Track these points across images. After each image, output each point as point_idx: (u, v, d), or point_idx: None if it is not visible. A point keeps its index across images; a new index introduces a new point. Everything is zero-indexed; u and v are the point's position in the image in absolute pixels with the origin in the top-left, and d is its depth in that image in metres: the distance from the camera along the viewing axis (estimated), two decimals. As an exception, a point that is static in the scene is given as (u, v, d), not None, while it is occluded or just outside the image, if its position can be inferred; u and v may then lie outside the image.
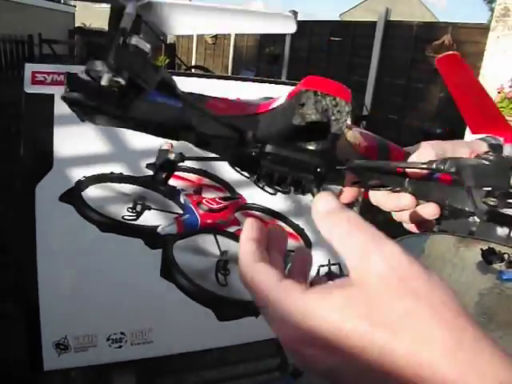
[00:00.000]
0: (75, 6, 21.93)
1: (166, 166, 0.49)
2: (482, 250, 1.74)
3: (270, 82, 1.57)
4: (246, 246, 0.37)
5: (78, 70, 1.26)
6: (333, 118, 0.39)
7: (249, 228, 0.38)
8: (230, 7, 0.48)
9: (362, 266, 0.31)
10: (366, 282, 0.30)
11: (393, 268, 0.30)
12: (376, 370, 0.28)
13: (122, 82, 0.36)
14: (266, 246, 0.39)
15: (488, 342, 0.28)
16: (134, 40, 0.38)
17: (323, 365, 0.31)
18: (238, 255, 0.36)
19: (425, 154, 0.48)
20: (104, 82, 0.36)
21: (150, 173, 1.41)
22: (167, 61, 11.16)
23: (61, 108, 1.27)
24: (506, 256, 1.72)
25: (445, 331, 0.27)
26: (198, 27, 0.56)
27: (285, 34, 9.53)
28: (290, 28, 0.36)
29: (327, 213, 0.34)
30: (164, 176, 0.49)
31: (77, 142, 1.30)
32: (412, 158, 0.49)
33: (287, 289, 0.33)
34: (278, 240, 0.40)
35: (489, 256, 1.72)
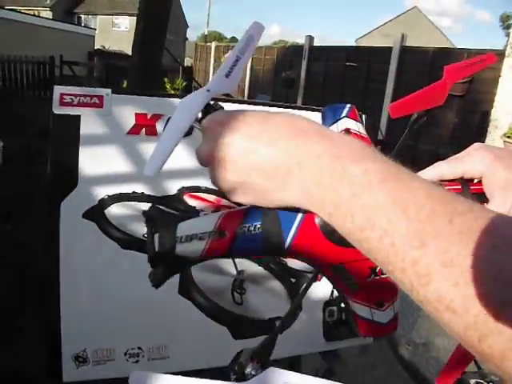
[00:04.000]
0: (95, 29, 22.43)
1: None
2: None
3: (286, 107, 1.59)
4: None
5: (103, 92, 1.31)
6: None
7: None
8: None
9: None
10: None
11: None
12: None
13: None
14: None
15: None
16: None
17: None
18: None
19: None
20: None
21: (171, 193, 1.45)
22: (184, 84, 11.30)
23: (86, 128, 1.32)
24: None
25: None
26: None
27: (301, 59, 9.62)
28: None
29: None
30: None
31: (101, 161, 1.34)
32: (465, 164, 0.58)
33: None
34: None
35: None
